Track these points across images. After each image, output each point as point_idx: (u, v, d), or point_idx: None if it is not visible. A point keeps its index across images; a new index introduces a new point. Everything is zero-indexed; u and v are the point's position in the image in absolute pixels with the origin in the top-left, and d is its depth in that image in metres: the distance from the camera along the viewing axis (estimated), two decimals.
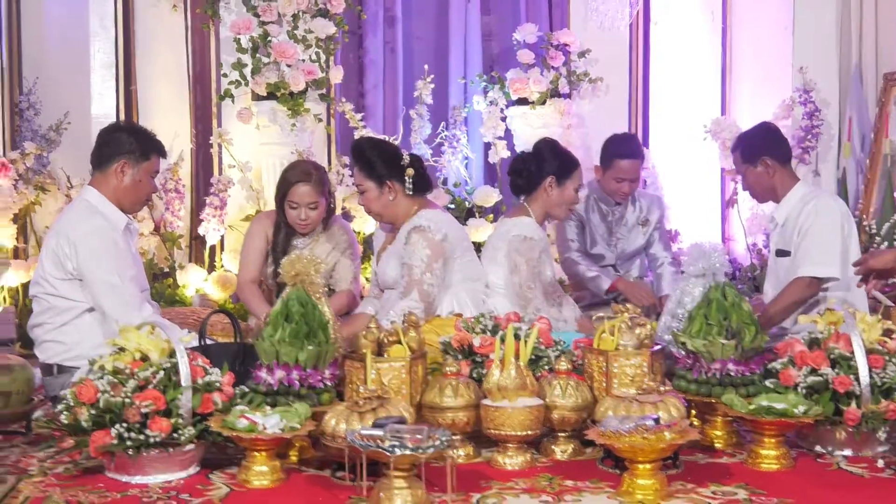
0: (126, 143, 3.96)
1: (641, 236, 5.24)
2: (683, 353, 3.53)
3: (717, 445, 3.47)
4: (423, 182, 4.31)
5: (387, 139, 5.14)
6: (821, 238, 4.12)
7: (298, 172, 4.56)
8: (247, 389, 3.29)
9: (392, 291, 4.28)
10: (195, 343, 3.48)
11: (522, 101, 6.25)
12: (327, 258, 4.57)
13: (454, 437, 3.19)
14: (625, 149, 5.12)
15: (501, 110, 6.22)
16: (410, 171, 4.23)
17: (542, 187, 4.37)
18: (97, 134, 4.08)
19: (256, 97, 5.94)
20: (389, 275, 4.25)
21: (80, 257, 3.81)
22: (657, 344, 3.53)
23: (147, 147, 4.01)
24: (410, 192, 4.24)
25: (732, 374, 3.40)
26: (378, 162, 4.25)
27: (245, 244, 4.73)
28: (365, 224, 5.91)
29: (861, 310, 3.81)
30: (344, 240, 4.67)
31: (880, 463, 3.25)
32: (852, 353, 3.34)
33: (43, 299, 3.93)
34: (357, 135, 5.88)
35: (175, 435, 3.07)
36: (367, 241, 5.83)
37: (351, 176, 5.89)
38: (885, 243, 5.03)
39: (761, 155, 4.31)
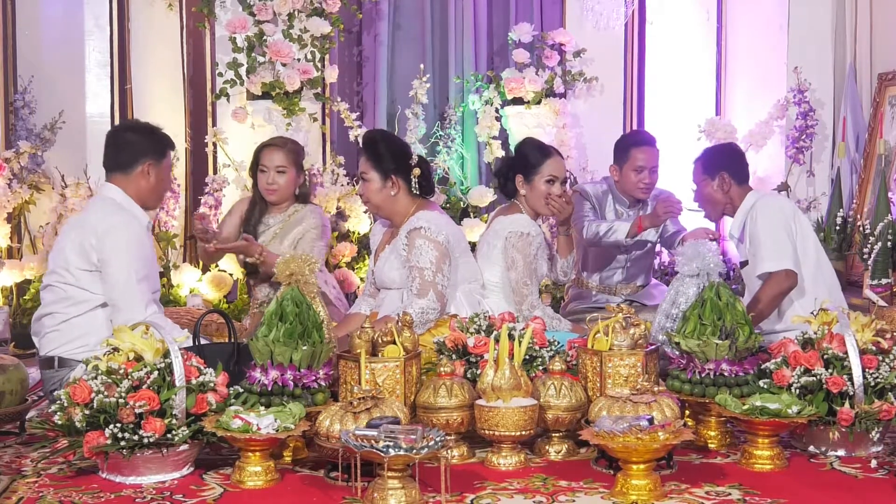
0: (145, 145, 4.01)
1: (654, 232, 5.20)
2: (677, 353, 3.54)
3: (711, 446, 3.47)
4: (428, 185, 4.33)
5: None
6: (766, 236, 4.17)
7: (271, 139, 4.88)
8: (241, 389, 3.29)
9: (389, 291, 4.27)
10: (189, 343, 3.49)
11: (517, 101, 6.25)
12: (299, 238, 4.75)
13: (448, 438, 3.20)
14: (639, 137, 5.21)
15: (496, 110, 6.22)
16: (417, 172, 4.24)
17: (518, 187, 4.40)
18: (106, 136, 4.10)
19: (251, 96, 5.93)
20: (388, 274, 4.24)
21: (105, 248, 3.82)
22: (651, 344, 3.53)
23: (164, 145, 4.09)
24: (416, 193, 4.25)
25: (726, 374, 3.41)
26: (388, 155, 4.25)
27: (222, 220, 5.10)
28: (360, 224, 5.91)
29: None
30: (315, 222, 4.79)
31: (873, 463, 3.26)
32: (846, 353, 3.34)
33: (59, 288, 3.91)
34: (352, 134, 5.89)
35: (169, 435, 3.07)
36: (362, 241, 5.83)
37: (346, 175, 5.92)
38: (879, 244, 5.03)
39: (721, 169, 4.39)
